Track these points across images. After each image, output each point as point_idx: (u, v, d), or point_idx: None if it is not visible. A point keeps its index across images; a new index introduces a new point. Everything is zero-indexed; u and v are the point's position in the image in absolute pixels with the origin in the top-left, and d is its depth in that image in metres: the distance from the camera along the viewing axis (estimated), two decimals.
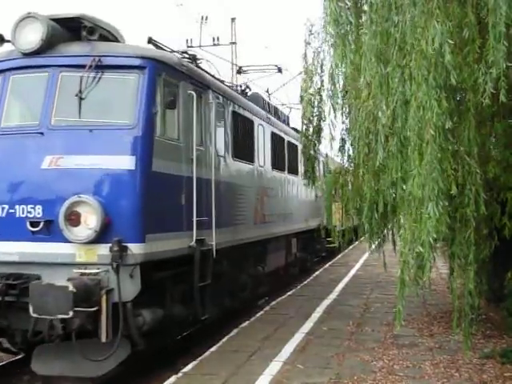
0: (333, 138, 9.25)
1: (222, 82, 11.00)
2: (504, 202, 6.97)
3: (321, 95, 9.02)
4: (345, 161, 9.45)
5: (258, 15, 70.88)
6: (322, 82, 9.02)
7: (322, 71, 8.86)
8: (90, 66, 7.28)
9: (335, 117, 9.08)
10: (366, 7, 6.51)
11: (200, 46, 25.14)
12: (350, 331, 9.58)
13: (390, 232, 10.01)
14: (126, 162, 7.14)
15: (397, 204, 7.03)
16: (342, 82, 8.88)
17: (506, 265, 9.42)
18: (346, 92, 8.84)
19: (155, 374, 8.03)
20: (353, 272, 17.70)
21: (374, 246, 9.95)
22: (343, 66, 7.72)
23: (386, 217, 8.36)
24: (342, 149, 9.26)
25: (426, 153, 5.65)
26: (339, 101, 9.05)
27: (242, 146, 10.89)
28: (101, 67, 7.37)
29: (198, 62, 9.79)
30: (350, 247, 24.54)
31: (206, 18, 24.76)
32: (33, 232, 7.04)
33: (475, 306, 6.94)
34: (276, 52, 62.77)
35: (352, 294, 13.36)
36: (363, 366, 7.57)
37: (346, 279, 16.03)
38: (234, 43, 25.63)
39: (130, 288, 6.92)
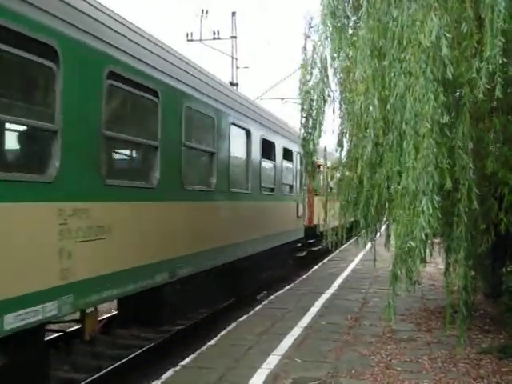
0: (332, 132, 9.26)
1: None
2: (501, 197, 6.96)
3: (320, 88, 8.99)
4: (343, 155, 9.41)
5: (259, 9, 70.78)
6: (321, 74, 8.99)
7: (321, 64, 8.83)
8: None
9: (333, 110, 9.07)
10: (364, 1, 6.47)
11: (200, 40, 25.16)
12: (348, 325, 9.61)
13: (384, 226, 10.00)
14: None
15: (391, 198, 7.02)
16: (338, 75, 8.86)
17: (503, 260, 9.44)
18: (347, 85, 8.81)
19: (153, 367, 8.05)
20: (351, 266, 17.72)
21: (366, 241, 9.92)
22: (340, 58, 7.72)
23: (381, 211, 8.34)
24: (340, 143, 9.23)
25: (421, 146, 5.63)
26: (337, 94, 9.04)
27: None
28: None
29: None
30: (349, 242, 24.48)
31: (207, 11, 24.77)
32: None
33: (469, 302, 6.92)
34: (276, 46, 62.75)
35: (350, 289, 13.39)
36: (361, 360, 7.60)
37: (344, 273, 16.05)
38: (234, 37, 25.60)
39: None
